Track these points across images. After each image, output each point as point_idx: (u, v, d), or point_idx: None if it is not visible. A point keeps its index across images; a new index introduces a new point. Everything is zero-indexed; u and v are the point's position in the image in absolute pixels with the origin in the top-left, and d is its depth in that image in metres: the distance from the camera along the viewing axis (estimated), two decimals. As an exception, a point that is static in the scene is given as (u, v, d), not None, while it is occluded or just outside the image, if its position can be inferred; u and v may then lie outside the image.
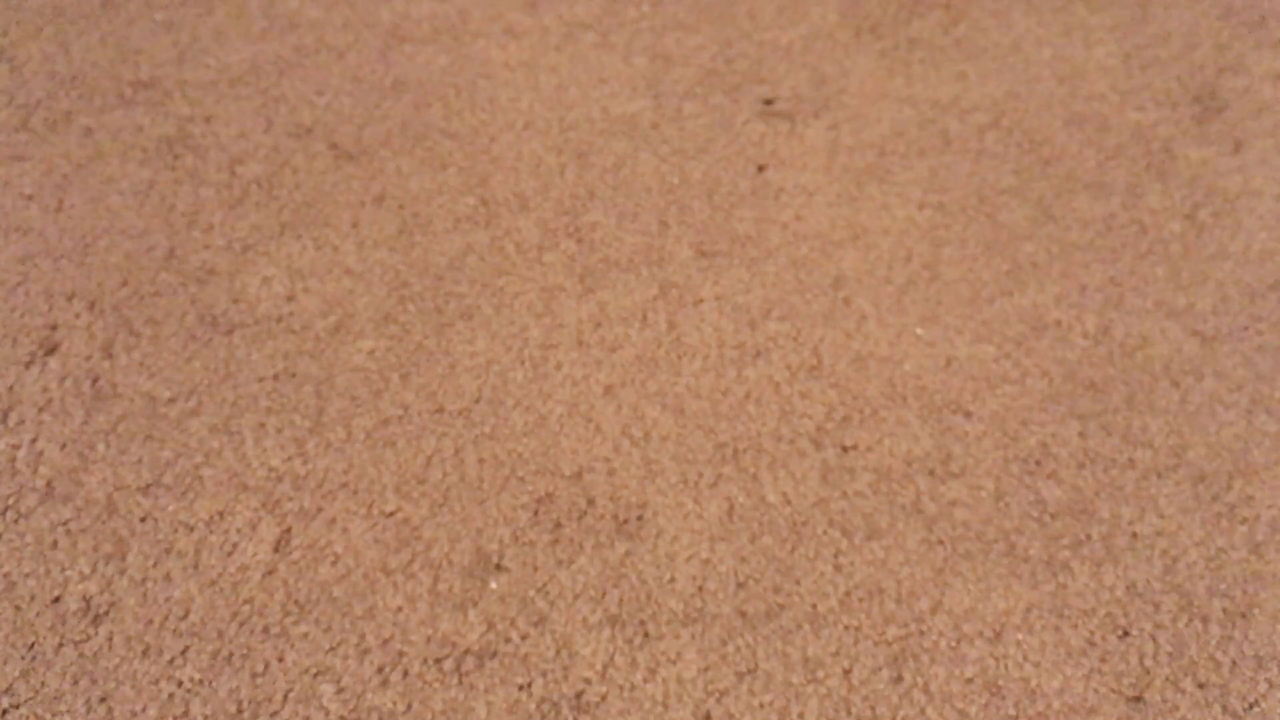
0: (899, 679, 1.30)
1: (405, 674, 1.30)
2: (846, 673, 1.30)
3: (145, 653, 1.31)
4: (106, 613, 1.34)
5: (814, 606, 1.36)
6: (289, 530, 1.43)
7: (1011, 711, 1.28)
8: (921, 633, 1.34)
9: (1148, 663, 1.32)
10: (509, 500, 1.47)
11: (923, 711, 1.27)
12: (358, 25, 2.25)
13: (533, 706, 1.27)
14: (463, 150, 1.98)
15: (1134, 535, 1.44)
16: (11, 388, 1.59)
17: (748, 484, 1.49)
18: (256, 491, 1.47)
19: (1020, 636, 1.34)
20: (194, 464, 1.50)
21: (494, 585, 1.38)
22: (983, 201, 1.90)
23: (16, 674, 1.29)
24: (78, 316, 1.68)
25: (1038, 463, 1.52)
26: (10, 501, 1.45)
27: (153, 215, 1.85)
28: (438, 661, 1.31)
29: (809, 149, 2.00)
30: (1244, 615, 1.36)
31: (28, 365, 1.61)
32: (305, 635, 1.33)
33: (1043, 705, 1.28)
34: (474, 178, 1.93)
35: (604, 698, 1.28)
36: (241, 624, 1.34)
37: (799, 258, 1.80)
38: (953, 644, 1.33)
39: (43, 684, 1.28)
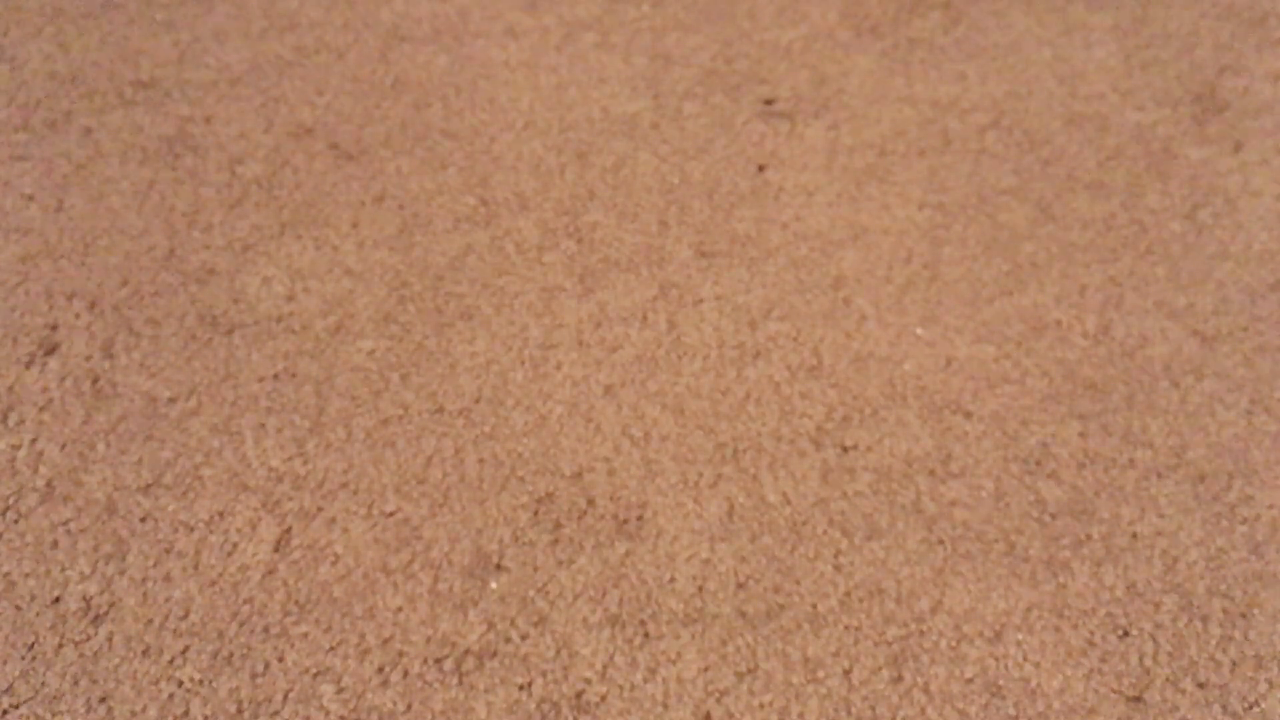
0: (899, 679, 1.30)
1: (405, 674, 1.30)
2: (846, 673, 1.30)
3: (145, 653, 1.31)
4: (106, 613, 1.34)
5: (814, 606, 1.36)
6: (289, 530, 1.43)
7: (1011, 711, 1.28)
8: (921, 633, 1.34)
9: (1148, 663, 1.32)
10: (509, 500, 1.47)
11: (923, 711, 1.27)
12: (358, 25, 2.25)
13: (533, 706, 1.27)
14: (463, 150, 1.98)
15: (1134, 535, 1.44)
16: (11, 388, 1.59)
17: (748, 484, 1.49)
18: (256, 491, 1.47)
19: (1020, 636, 1.34)
20: (194, 464, 1.50)
21: (494, 585, 1.38)
22: (983, 201, 1.90)
23: (16, 674, 1.29)
24: (78, 316, 1.68)
25: (1038, 463, 1.52)
26: (10, 501, 1.45)
27: (153, 215, 1.85)
28: (438, 661, 1.31)
29: (809, 149, 2.00)
30: (1244, 615, 1.36)
31: (28, 365, 1.61)
32: (305, 635, 1.33)
33: (1043, 705, 1.28)
34: (474, 178, 1.93)
35: (604, 698, 1.28)
36: (241, 624, 1.34)
37: (799, 258, 1.80)
38: (953, 644, 1.33)
39: (43, 684, 1.28)
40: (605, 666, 1.31)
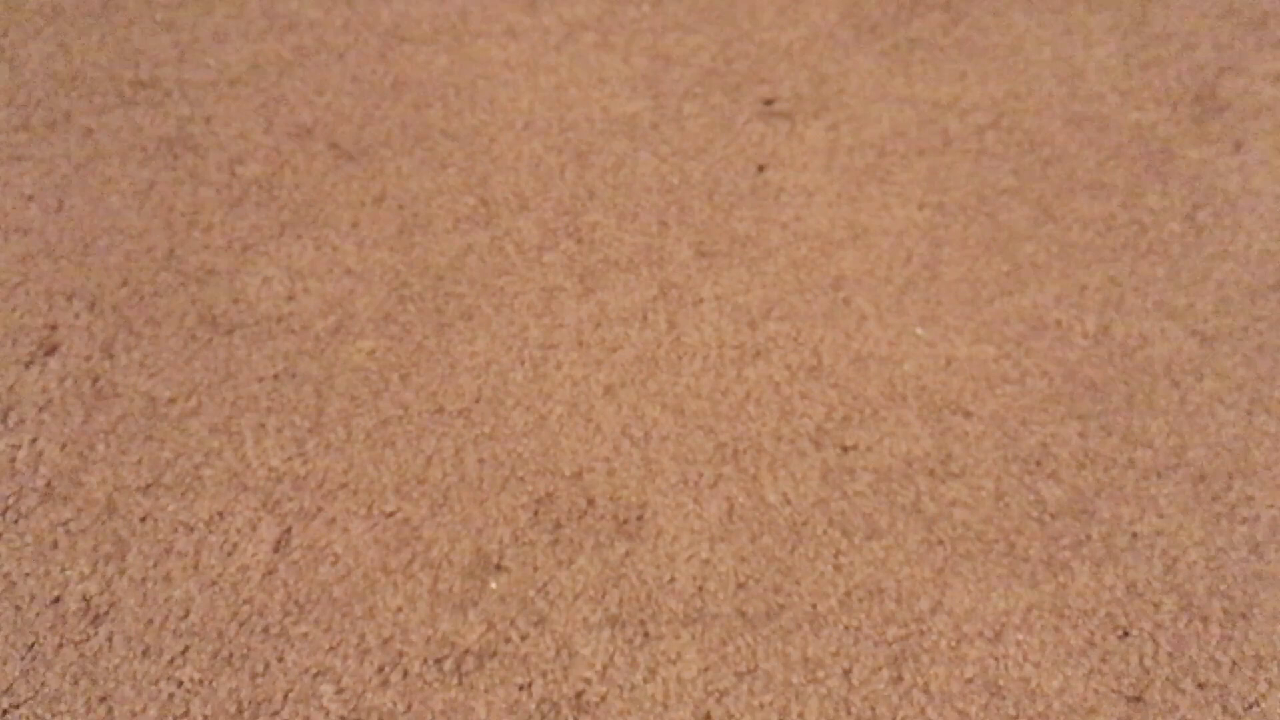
0: (899, 679, 1.30)
1: (405, 674, 1.30)
2: (846, 673, 1.30)
3: (145, 653, 1.31)
4: (106, 613, 1.34)
5: (814, 606, 1.36)
6: (289, 530, 1.43)
7: (1011, 711, 1.28)
8: (921, 633, 1.34)
9: (1148, 663, 1.32)
10: (509, 500, 1.47)
11: (923, 711, 1.27)
12: (358, 25, 2.25)
13: (533, 706, 1.27)
14: (463, 150, 1.98)
15: (1134, 535, 1.44)
16: (11, 388, 1.59)
17: (748, 484, 1.49)
18: (256, 491, 1.47)
19: (1020, 636, 1.34)
20: (194, 464, 1.50)
21: (494, 585, 1.38)
22: (983, 201, 1.90)
23: (16, 674, 1.29)
24: (78, 316, 1.68)
25: (1038, 463, 1.52)
26: (10, 501, 1.45)
27: (153, 215, 1.85)
28: (438, 661, 1.31)
29: (809, 149, 2.00)
30: (1244, 615, 1.36)
31: (28, 365, 1.61)
32: (305, 635, 1.33)
33: (1043, 705, 1.28)
34: (474, 178, 1.93)
35: (604, 698, 1.28)
36: (241, 624, 1.34)
37: (799, 258, 1.80)
38: (953, 644, 1.33)
39: (43, 684, 1.28)
40: (605, 666, 1.31)
